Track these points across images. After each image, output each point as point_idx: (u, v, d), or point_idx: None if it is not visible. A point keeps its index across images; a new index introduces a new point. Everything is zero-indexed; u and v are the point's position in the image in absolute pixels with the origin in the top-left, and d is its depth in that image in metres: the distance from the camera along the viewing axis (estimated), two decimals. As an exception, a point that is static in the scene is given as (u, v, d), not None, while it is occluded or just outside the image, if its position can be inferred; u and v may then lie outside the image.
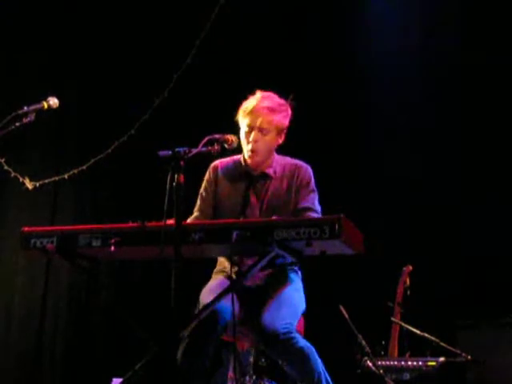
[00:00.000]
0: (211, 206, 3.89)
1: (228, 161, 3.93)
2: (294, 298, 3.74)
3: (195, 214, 3.91)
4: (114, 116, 6.20)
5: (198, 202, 3.95)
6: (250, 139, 3.78)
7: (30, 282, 6.05)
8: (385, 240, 5.48)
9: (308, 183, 3.84)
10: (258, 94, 3.84)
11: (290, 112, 3.88)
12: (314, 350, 3.60)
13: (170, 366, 3.14)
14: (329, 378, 3.62)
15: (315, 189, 3.87)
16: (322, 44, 6.17)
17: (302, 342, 3.56)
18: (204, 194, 3.93)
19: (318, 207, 3.82)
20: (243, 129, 3.82)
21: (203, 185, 3.96)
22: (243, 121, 3.82)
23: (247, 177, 3.88)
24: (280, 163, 3.89)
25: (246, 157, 3.84)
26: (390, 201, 5.85)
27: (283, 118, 3.83)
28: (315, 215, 3.74)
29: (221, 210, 3.87)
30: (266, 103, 3.79)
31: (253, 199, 3.83)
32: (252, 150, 3.78)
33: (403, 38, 6.07)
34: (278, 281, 3.77)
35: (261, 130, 3.78)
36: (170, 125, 6.06)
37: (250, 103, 3.81)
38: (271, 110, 3.78)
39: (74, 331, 6.17)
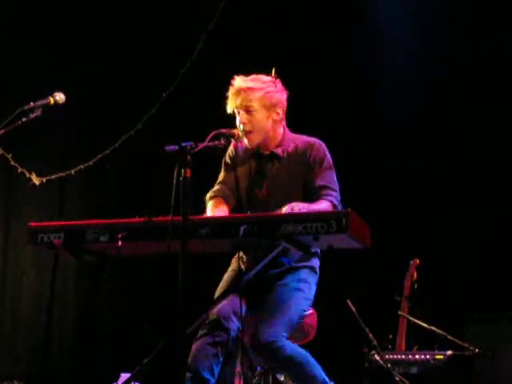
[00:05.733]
0: (235, 179, 3.86)
1: (243, 142, 3.85)
2: (291, 301, 3.63)
3: (218, 186, 3.86)
4: (120, 111, 6.20)
5: (222, 174, 3.91)
6: (239, 122, 3.77)
7: (38, 276, 6.08)
8: (392, 234, 5.47)
9: (322, 160, 3.75)
10: (236, 79, 3.81)
11: (278, 87, 3.82)
12: (307, 357, 3.56)
13: (176, 362, 3.15)
14: None
15: (332, 165, 3.78)
16: (325, 43, 6.17)
17: (290, 351, 3.50)
18: (228, 167, 3.89)
19: (335, 185, 3.73)
20: (236, 115, 3.80)
21: (227, 157, 3.91)
22: (230, 108, 3.80)
23: (257, 158, 3.85)
24: (293, 141, 3.83)
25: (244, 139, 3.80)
26: (397, 194, 5.84)
27: (267, 94, 3.76)
28: (332, 193, 3.67)
29: (238, 190, 3.85)
30: (244, 84, 3.77)
31: (262, 180, 3.79)
32: (244, 131, 3.75)
33: (409, 40, 6.07)
34: (282, 282, 3.70)
35: (245, 109, 3.75)
36: (177, 119, 6.06)
37: (230, 90, 3.81)
38: (249, 88, 3.75)
39: (81, 327, 6.19)
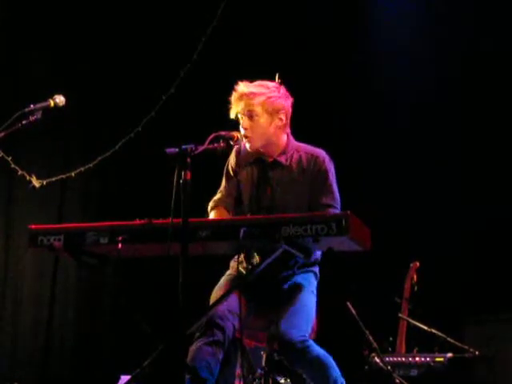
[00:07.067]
0: (236, 188, 3.86)
1: (245, 147, 3.84)
2: (309, 303, 3.71)
3: (219, 195, 3.89)
4: (120, 113, 6.20)
5: (224, 183, 3.92)
6: (241, 127, 3.76)
7: (38, 277, 6.08)
8: (392, 236, 5.47)
9: (327, 175, 3.76)
10: (239, 84, 3.79)
11: (282, 92, 3.80)
12: (330, 358, 3.60)
13: (177, 364, 3.14)
14: None
15: (335, 180, 3.79)
16: (325, 43, 6.17)
17: (318, 351, 3.56)
18: (230, 175, 3.89)
19: (338, 202, 3.74)
20: (239, 120, 3.80)
21: (228, 165, 3.91)
22: (233, 113, 3.80)
23: (260, 164, 3.84)
24: (296, 150, 3.82)
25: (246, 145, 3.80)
26: (397, 196, 5.83)
27: (270, 99, 3.74)
28: (336, 211, 3.67)
29: (241, 195, 3.85)
30: (246, 89, 3.76)
31: (265, 188, 3.78)
32: (245, 137, 3.74)
33: (409, 40, 6.06)
34: (295, 284, 3.73)
35: (247, 114, 3.74)
36: (177, 122, 6.05)
37: (233, 95, 3.79)
38: (251, 93, 3.74)
39: (81, 331, 6.19)
